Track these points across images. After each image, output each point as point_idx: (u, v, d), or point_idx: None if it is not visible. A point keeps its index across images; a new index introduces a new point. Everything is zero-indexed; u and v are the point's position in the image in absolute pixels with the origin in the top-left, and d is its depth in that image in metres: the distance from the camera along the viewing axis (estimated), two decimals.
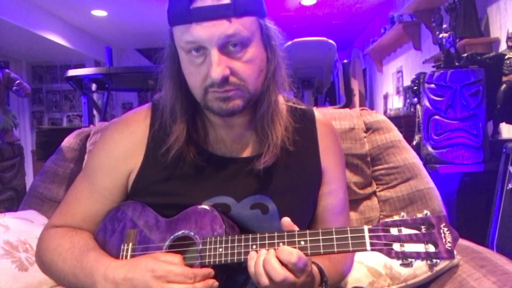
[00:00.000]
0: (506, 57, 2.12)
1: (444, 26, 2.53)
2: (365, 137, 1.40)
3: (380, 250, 0.67)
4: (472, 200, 2.09)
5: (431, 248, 0.65)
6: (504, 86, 2.06)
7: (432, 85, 2.10)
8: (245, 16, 0.74)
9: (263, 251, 0.71)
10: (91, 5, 4.87)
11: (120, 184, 0.89)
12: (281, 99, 0.91)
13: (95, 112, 4.01)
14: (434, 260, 0.65)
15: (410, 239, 0.66)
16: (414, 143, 2.44)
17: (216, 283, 0.74)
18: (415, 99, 2.56)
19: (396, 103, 4.75)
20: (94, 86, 3.28)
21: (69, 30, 5.59)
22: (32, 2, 4.75)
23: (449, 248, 0.65)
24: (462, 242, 1.22)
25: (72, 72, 3.30)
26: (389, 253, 0.66)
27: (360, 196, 1.37)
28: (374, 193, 1.40)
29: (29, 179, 4.03)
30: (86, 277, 0.77)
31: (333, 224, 0.92)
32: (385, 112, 4.94)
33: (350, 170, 1.36)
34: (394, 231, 0.67)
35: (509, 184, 1.77)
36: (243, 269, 0.79)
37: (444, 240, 0.65)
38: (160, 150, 0.85)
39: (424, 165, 1.50)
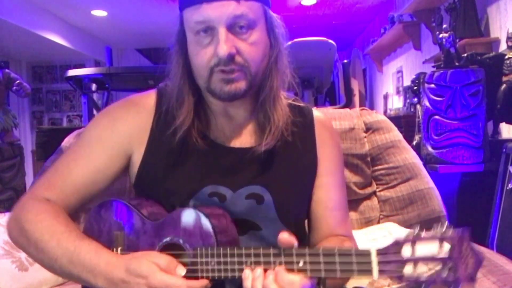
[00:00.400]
0: (506, 57, 2.12)
1: (444, 26, 2.53)
2: (365, 137, 1.40)
3: (390, 277, 0.59)
4: (472, 200, 2.09)
5: (449, 273, 0.55)
6: (504, 86, 2.06)
7: (432, 85, 2.10)
8: (252, 0, 0.79)
9: (258, 271, 0.67)
10: (91, 5, 4.88)
11: (117, 163, 0.87)
12: (282, 95, 0.92)
13: (95, 112, 4.01)
14: (452, 287, 0.55)
15: (425, 262, 0.56)
16: (414, 143, 2.44)
17: None
18: (415, 99, 2.57)
19: (396, 103, 4.75)
20: (94, 86, 3.28)
21: (69, 30, 5.59)
22: (32, 2, 4.75)
23: (471, 275, 0.55)
24: None
25: (72, 72, 3.30)
26: (400, 279, 0.58)
27: (360, 196, 1.37)
28: (374, 193, 1.40)
29: (29, 179, 4.03)
30: (84, 268, 0.75)
31: (328, 220, 0.91)
32: (385, 112, 4.94)
33: (350, 170, 1.36)
34: (406, 251, 0.57)
35: (509, 184, 1.77)
36: (236, 282, 0.77)
37: (465, 264, 0.55)
38: (165, 134, 0.85)
39: (424, 165, 1.50)
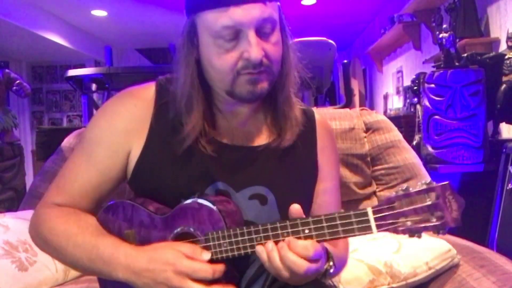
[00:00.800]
0: (506, 57, 2.12)
1: (444, 26, 2.53)
2: (365, 137, 1.40)
3: (387, 230, 0.66)
4: (472, 200, 2.08)
5: (437, 219, 0.64)
6: (504, 86, 2.06)
7: (432, 85, 2.10)
8: (273, 1, 0.79)
9: (270, 245, 0.71)
10: (91, 5, 4.88)
11: (118, 161, 0.85)
12: None
13: (95, 112, 4.01)
14: (441, 231, 0.65)
15: (415, 213, 0.65)
16: (414, 143, 2.44)
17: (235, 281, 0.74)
18: (415, 99, 2.57)
19: (396, 103, 4.75)
20: (94, 86, 3.28)
21: (69, 30, 5.59)
22: (32, 2, 4.75)
23: (456, 217, 0.64)
24: (462, 242, 1.22)
25: (72, 72, 3.30)
26: (396, 231, 0.66)
27: (360, 196, 1.37)
28: (374, 193, 1.40)
29: (29, 179, 4.03)
30: (105, 263, 0.75)
31: None
32: (385, 112, 4.94)
33: (350, 170, 1.36)
34: (398, 206, 0.66)
35: (509, 184, 1.77)
36: (249, 262, 0.82)
37: (450, 209, 0.65)
38: (166, 131, 0.84)
39: (424, 165, 1.50)
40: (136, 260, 0.73)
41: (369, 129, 1.40)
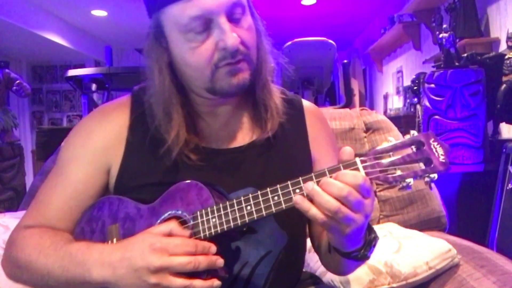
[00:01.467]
0: (506, 57, 2.12)
1: (444, 26, 2.53)
2: (365, 137, 1.40)
3: (376, 178, 0.65)
4: (472, 200, 2.09)
5: (425, 164, 0.64)
6: (504, 86, 2.06)
7: (432, 85, 2.10)
8: None
9: (310, 184, 0.64)
10: (91, 5, 4.88)
11: (97, 179, 0.81)
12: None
13: None
14: (432, 175, 0.64)
15: (404, 161, 0.65)
16: None
17: (221, 260, 0.68)
18: (415, 99, 2.57)
19: (396, 103, 4.75)
20: (94, 86, 3.28)
21: (69, 30, 5.59)
22: (32, 2, 4.75)
23: (443, 161, 0.64)
24: (462, 242, 1.22)
25: (72, 72, 3.30)
26: (386, 179, 0.65)
27: None
28: (374, 193, 1.40)
29: (29, 179, 4.03)
30: (78, 265, 0.69)
31: None
32: (385, 112, 4.95)
33: None
34: (386, 156, 0.65)
35: (509, 184, 1.77)
36: (238, 253, 0.77)
37: (436, 154, 0.64)
38: (144, 142, 0.79)
39: None
40: (110, 253, 0.68)
41: (369, 129, 1.40)
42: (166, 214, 0.74)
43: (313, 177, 0.66)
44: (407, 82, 4.13)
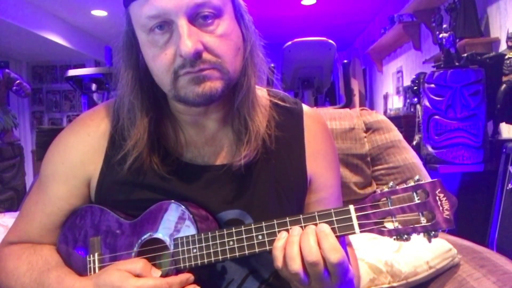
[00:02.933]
0: (506, 57, 2.12)
1: (444, 26, 2.53)
2: (365, 137, 1.40)
3: (370, 231, 0.60)
4: (472, 200, 2.09)
5: (427, 219, 0.58)
6: (504, 86, 2.06)
7: (432, 85, 2.10)
8: None
9: (296, 229, 0.62)
10: (91, 5, 4.87)
11: (78, 193, 0.78)
12: (263, 93, 0.81)
13: None
14: (432, 233, 0.58)
15: (403, 211, 0.59)
16: (414, 143, 2.44)
17: None
18: (415, 99, 2.57)
19: (396, 103, 4.75)
20: (94, 86, 3.28)
21: (69, 30, 5.59)
22: (32, 2, 4.75)
23: (448, 217, 0.58)
24: (462, 242, 1.22)
25: (72, 72, 3.30)
26: (381, 232, 0.60)
27: (360, 196, 1.37)
28: (374, 193, 1.40)
29: (29, 179, 4.03)
30: None
31: None
32: (385, 112, 4.94)
33: (350, 170, 1.36)
34: (384, 205, 0.60)
35: (509, 184, 1.77)
36: (224, 271, 0.75)
37: (441, 208, 0.58)
38: (116, 157, 0.74)
39: (424, 165, 1.50)
40: None
41: (369, 129, 1.40)
42: (146, 235, 0.71)
43: (301, 220, 0.63)
44: (407, 82, 4.13)
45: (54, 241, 0.80)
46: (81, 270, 0.75)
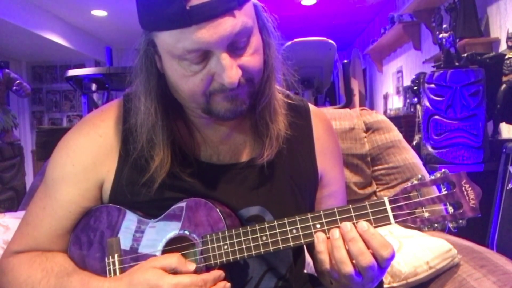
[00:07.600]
0: (506, 57, 2.12)
1: (444, 26, 2.53)
2: (365, 137, 1.40)
3: (404, 221, 0.63)
4: None
5: (455, 208, 0.63)
6: (504, 86, 2.06)
7: (432, 85, 2.10)
8: (246, 3, 0.63)
9: (336, 232, 0.63)
10: (91, 5, 4.87)
11: (90, 196, 0.75)
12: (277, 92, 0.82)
13: None
14: (460, 221, 0.62)
15: (433, 202, 0.63)
16: (414, 143, 2.45)
17: (229, 285, 0.66)
18: (415, 99, 2.57)
19: (396, 103, 4.75)
20: (94, 86, 3.27)
21: (69, 30, 5.59)
22: (32, 2, 4.75)
23: (474, 206, 0.62)
24: (462, 242, 1.22)
25: (72, 72, 3.30)
26: (414, 222, 0.63)
27: (360, 196, 1.37)
28: (374, 193, 1.40)
29: (29, 179, 4.03)
30: None
31: None
32: (385, 112, 4.94)
33: (350, 170, 1.36)
34: (415, 196, 0.63)
35: (509, 184, 1.77)
36: (246, 267, 0.75)
37: (467, 198, 0.63)
38: (142, 178, 0.72)
39: (424, 165, 1.50)
40: None
41: (369, 129, 1.40)
42: (172, 233, 0.70)
43: (336, 213, 0.64)
44: (407, 82, 4.13)
45: (65, 247, 0.76)
46: (99, 273, 0.71)
